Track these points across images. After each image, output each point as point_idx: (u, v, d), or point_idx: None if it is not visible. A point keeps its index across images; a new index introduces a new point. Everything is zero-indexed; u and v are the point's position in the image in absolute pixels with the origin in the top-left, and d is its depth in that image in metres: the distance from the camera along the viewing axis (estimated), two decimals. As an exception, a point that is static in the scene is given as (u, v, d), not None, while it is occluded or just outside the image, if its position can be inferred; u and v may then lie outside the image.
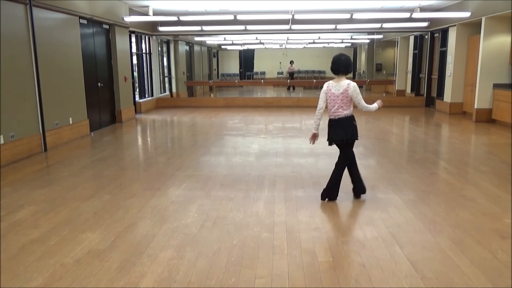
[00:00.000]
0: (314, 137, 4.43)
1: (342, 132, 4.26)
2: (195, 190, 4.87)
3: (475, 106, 10.12)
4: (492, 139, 8.18)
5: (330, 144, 4.38)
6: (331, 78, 4.36)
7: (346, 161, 4.40)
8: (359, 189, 4.49)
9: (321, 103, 4.32)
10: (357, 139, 4.36)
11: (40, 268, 3.02)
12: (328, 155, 6.63)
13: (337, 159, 4.41)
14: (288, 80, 20.68)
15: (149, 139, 9.07)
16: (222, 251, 3.27)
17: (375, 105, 4.37)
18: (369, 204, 4.34)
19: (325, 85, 4.31)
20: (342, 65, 4.19)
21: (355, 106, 4.30)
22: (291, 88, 21.48)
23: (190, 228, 3.73)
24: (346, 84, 4.19)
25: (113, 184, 5.15)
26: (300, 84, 21.98)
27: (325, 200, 4.42)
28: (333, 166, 4.40)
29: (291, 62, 23.53)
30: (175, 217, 4.00)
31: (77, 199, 4.58)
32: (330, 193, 4.40)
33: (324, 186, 4.42)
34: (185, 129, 9.99)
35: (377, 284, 2.77)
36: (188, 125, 10.47)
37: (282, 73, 26.89)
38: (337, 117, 4.24)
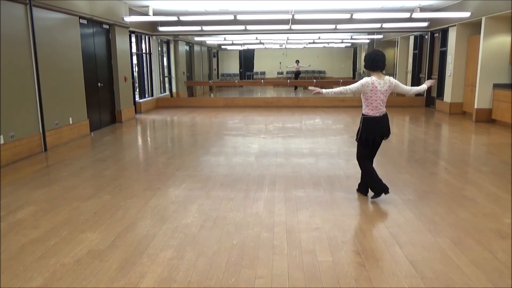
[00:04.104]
0: (317, 92, 4.33)
1: (385, 129, 4.36)
2: (195, 190, 4.87)
3: (475, 106, 10.12)
4: (492, 139, 8.18)
5: (367, 142, 4.36)
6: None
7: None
8: (372, 188, 4.47)
9: (350, 92, 4.26)
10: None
11: (40, 268, 3.02)
12: (328, 155, 6.64)
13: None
14: (288, 80, 20.62)
15: (149, 139, 9.06)
16: (222, 251, 3.27)
17: (424, 86, 4.43)
18: (369, 204, 4.34)
19: (368, 80, 4.23)
20: (381, 61, 4.21)
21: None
22: (296, 88, 21.11)
23: (190, 228, 3.73)
24: (388, 81, 4.26)
25: (113, 184, 5.15)
26: (299, 84, 21.92)
27: (380, 195, 4.37)
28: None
29: (297, 62, 22.97)
30: (175, 217, 4.00)
31: (77, 199, 4.58)
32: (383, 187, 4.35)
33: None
34: (185, 129, 9.99)
35: (377, 284, 2.77)
36: (188, 125, 10.47)
37: (282, 73, 26.85)
38: (382, 114, 4.30)
